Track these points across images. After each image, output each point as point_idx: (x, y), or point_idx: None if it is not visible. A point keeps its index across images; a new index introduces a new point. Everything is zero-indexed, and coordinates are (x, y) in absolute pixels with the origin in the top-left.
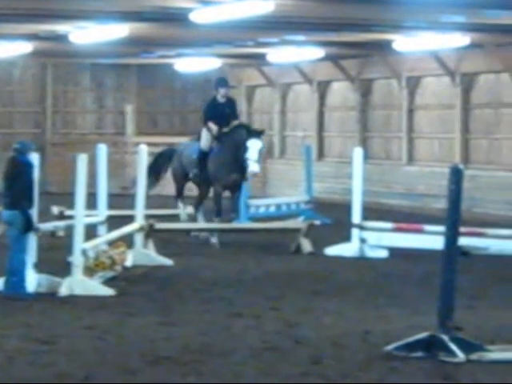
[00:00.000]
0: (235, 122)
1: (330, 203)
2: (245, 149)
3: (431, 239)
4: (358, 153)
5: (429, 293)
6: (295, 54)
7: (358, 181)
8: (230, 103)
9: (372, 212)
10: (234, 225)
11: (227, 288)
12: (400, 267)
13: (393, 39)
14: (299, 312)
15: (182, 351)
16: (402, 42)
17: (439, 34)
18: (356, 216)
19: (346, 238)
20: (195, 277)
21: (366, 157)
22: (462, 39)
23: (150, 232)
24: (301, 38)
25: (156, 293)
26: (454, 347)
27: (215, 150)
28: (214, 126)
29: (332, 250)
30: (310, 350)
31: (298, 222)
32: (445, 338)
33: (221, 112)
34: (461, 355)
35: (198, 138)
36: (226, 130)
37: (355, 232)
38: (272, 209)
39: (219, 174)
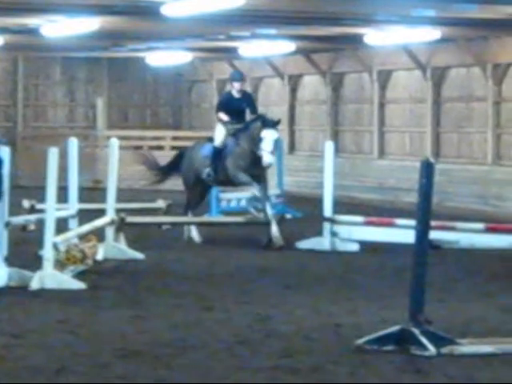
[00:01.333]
0: (253, 116)
1: (301, 197)
2: (259, 139)
3: (402, 233)
4: (329, 146)
5: (400, 286)
6: (266, 47)
7: (329, 174)
8: (247, 97)
9: (343, 206)
10: (205, 218)
11: (198, 282)
12: (371, 261)
13: (364, 33)
14: (270, 306)
15: (153, 345)
16: (373, 36)
17: (410, 28)
18: (327, 210)
19: (318, 231)
20: (166, 271)
21: (337, 150)
22: (433, 33)
23: (121, 226)
24: (272, 31)
25: (127, 287)
26: (424, 341)
27: (230, 145)
28: (224, 116)
29: (303, 244)
30: (281, 343)
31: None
32: (416, 331)
33: (237, 107)
34: (432, 349)
35: (208, 140)
36: (241, 125)
37: (326, 226)
38: (243, 202)
39: (237, 170)
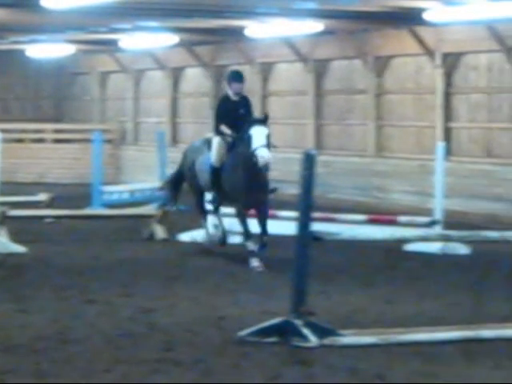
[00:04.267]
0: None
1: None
2: (249, 138)
3: (284, 225)
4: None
5: (282, 278)
6: (148, 40)
7: None
8: (245, 102)
9: None
10: (87, 211)
11: (81, 275)
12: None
13: (245, 25)
14: (153, 298)
15: (35, 339)
16: (254, 29)
17: (292, 21)
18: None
19: (200, 224)
20: (49, 264)
21: None
22: (315, 26)
23: (2, 219)
24: (154, 24)
25: (9, 280)
26: (306, 332)
27: (227, 164)
28: (227, 130)
29: (186, 236)
30: (164, 336)
31: (152, 209)
32: (298, 323)
33: (234, 112)
34: (314, 340)
35: (209, 144)
36: (233, 136)
37: (209, 218)
38: (126, 195)
39: (236, 194)
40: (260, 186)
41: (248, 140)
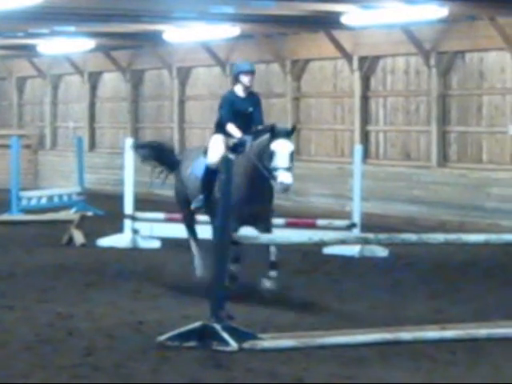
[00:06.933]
0: (259, 128)
1: (103, 194)
2: (270, 155)
3: (204, 229)
4: (129, 143)
5: (202, 282)
6: (66, 44)
7: (129, 172)
8: (254, 99)
9: (145, 203)
10: (5, 217)
11: None
12: (173, 257)
13: (163, 30)
14: (72, 304)
15: None
16: (172, 33)
17: (209, 25)
18: (128, 207)
19: (119, 229)
20: None
21: None
22: (232, 30)
23: None
24: (71, 28)
25: None
26: (226, 336)
27: None
28: (237, 132)
29: (104, 242)
30: (83, 341)
31: (70, 214)
32: (217, 327)
33: (241, 111)
34: (233, 344)
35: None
36: (243, 139)
37: (127, 223)
38: (44, 200)
39: (233, 202)
40: (263, 199)
41: (266, 151)
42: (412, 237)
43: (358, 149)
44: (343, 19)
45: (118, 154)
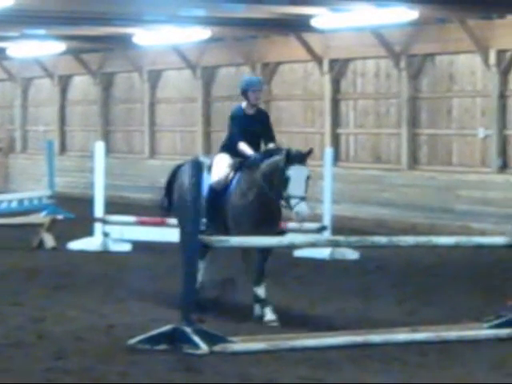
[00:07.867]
0: (270, 146)
1: (73, 197)
2: (285, 181)
3: (173, 232)
4: (99, 147)
5: (173, 286)
6: (36, 48)
7: (99, 175)
8: (262, 116)
9: (115, 206)
10: None
11: None
12: (143, 260)
13: (133, 33)
14: (42, 307)
15: None
16: (142, 36)
17: (180, 28)
18: (98, 210)
19: (89, 232)
20: None
21: (109, 151)
22: (203, 33)
23: None
24: (41, 31)
25: None
26: (197, 339)
27: (232, 187)
28: (249, 150)
29: (75, 245)
30: (54, 345)
31: (41, 217)
32: (188, 330)
33: (250, 129)
34: (204, 347)
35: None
36: (256, 157)
37: (98, 226)
38: (14, 204)
39: (240, 226)
40: (271, 222)
41: (279, 175)
42: (382, 239)
43: (329, 152)
44: (313, 22)
45: (88, 157)
